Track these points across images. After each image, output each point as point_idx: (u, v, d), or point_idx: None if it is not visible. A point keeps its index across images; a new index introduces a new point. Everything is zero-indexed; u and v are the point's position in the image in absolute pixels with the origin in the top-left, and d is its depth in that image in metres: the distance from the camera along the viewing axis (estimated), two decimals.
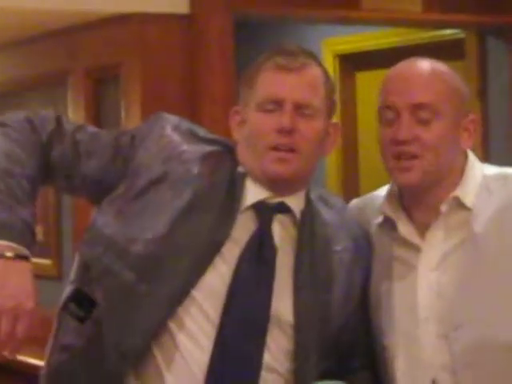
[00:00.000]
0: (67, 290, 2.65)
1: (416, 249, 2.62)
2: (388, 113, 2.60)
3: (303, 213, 2.64)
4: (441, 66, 2.67)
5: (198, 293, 2.53)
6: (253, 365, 2.56)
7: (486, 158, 5.02)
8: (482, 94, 5.14)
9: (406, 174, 2.57)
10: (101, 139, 2.68)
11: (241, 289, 2.55)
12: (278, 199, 2.61)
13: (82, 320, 2.56)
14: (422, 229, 2.63)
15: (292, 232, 2.64)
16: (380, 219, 2.72)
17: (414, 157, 2.55)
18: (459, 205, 2.57)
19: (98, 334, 2.57)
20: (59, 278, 3.88)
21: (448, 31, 5.37)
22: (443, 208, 2.58)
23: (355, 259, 2.68)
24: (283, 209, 2.63)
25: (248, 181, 2.60)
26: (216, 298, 2.55)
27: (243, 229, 2.59)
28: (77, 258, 2.72)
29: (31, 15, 4.40)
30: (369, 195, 2.97)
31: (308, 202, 2.68)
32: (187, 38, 4.36)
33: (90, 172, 2.62)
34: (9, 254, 2.31)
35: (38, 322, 2.39)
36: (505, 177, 2.66)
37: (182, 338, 2.56)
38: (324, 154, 2.78)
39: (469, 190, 2.59)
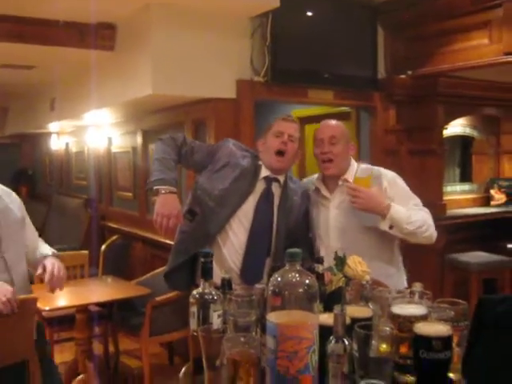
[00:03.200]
0: (184, 208, 2.84)
1: (328, 200, 2.89)
2: (318, 141, 2.85)
3: (284, 182, 2.88)
4: (339, 122, 2.96)
5: (240, 212, 2.77)
6: (266, 246, 2.77)
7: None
8: (358, 136, 5.23)
9: (328, 170, 2.84)
10: (202, 146, 2.93)
11: (259, 212, 2.77)
12: (274, 176, 2.85)
13: (190, 221, 2.79)
14: (331, 191, 2.89)
15: (278, 190, 2.85)
16: (313, 187, 2.97)
17: (330, 160, 2.81)
18: (345, 181, 2.81)
19: (197, 227, 2.81)
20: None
21: (344, 108, 5.37)
22: (339, 182, 2.84)
23: (302, 202, 2.91)
24: (276, 180, 2.86)
25: (262, 168, 2.83)
26: (248, 216, 2.77)
27: (260, 187, 2.82)
28: (189, 195, 2.94)
29: (169, 97, 4.45)
30: (309, 177, 3.16)
31: (285, 178, 2.90)
32: (234, 108, 4.42)
33: (196, 159, 2.87)
34: (166, 191, 2.58)
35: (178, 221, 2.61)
36: (369, 168, 2.92)
37: (231, 234, 2.77)
38: (295, 161, 2.99)
39: (350, 175, 2.84)
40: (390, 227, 2.67)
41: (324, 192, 2.91)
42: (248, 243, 2.77)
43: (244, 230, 2.78)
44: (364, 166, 2.99)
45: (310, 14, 4.60)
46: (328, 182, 2.92)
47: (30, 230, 2.87)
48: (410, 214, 2.68)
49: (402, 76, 5.09)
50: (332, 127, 2.91)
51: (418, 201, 2.82)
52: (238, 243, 2.78)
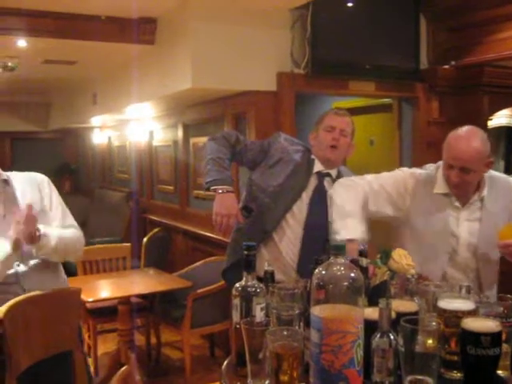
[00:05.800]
0: (240, 205, 2.84)
1: (459, 210, 2.52)
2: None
3: (336, 177, 2.84)
4: (476, 143, 2.37)
5: (295, 207, 2.76)
6: (322, 240, 2.57)
7: (400, 161, 5.06)
8: (400, 127, 5.15)
9: (455, 194, 2.49)
10: (255, 144, 2.94)
11: (313, 206, 2.76)
12: (327, 170, 2.85)
13: (246, 217, 2.78)
14: (462, 204, 2.52)
15: (331, 185, 2.75)
16: (441, 190, 2.53)
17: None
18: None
19: (253, 223, 2.81)
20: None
21: (385, 99, 5.29)
22: (471, 200, 2.52)
23: None
24: (329, 175, 2.85)
25: (315, 162, 2.83)
26: (303, 211, 2.77)
27: (312, 182, 2.82)
28: (244, 192, 2.96)
29: (209, 90, 4.48)
30: (432, 168, 2.61)
31: (338, 172, 2.89)
32: (275, 101, 4.39)
33: (249, 157, 2.88)
34: (224, 191, 2.61)
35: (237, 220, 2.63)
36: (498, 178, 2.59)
37: (287, 229, 2.77)
38: (347, 155, 2.97)
39: (480, 194, 2.51)
40: None
41: (455, 203, 2.51)
42: (304, 238, 2.77)
43: (299, 225, 2.78)
44: (491, 175, 2.56)
45: (350, 4, 4.54)
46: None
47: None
48: None
49: (446, 66, 4.99)
50: (464, 154, 2.38)
51: None
52: (294, 238, 2.78)
